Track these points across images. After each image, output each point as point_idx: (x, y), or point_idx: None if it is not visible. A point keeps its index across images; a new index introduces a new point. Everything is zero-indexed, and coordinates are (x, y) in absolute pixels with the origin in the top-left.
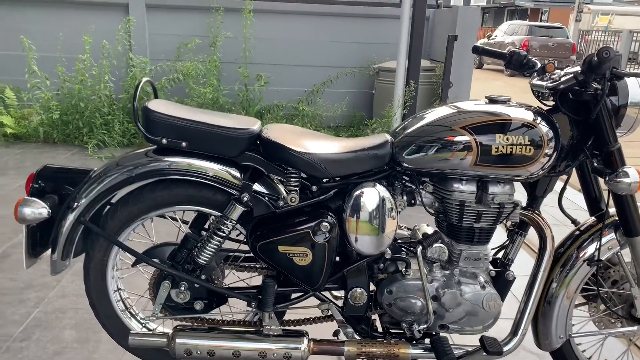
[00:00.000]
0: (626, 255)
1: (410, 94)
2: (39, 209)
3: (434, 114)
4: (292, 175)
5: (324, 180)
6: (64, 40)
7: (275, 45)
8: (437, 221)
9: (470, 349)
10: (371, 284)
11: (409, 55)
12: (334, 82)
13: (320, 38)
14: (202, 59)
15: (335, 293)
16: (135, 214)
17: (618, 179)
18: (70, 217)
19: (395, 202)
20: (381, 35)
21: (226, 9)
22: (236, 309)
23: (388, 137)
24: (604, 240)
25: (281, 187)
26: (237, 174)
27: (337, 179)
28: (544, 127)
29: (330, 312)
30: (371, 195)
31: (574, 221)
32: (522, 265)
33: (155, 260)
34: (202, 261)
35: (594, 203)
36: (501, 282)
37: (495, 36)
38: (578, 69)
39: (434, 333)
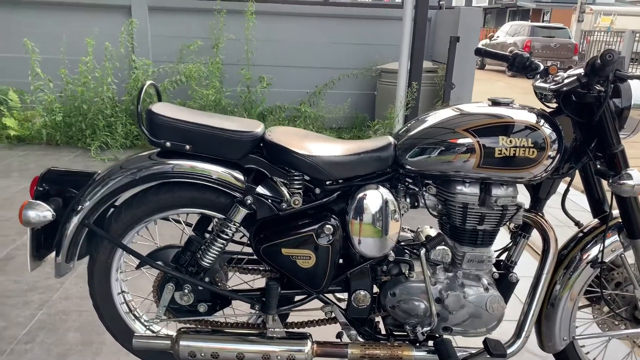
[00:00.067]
0: (629, 257)
1: (412, 95)
2: (43, 212)
3: (436, 117)
4: (296, 177)
5: (327, 183)
6: (67, 43)
7: (277, 47)
8: (440, 223)
9: (473, 351)
10: (374, 286)
11: (411, 57)
12: (336, 84)
13: (322, 39)
14: (204, 60)
15: (339, 295)
16: (139, 216)
17: (621, 181)
18: (75, 220)
19: (399, 204)
20: (383, 37)
21: (228, 10)
22: (240, 311)
23: (391, 139)
24: (607, 242)
25: (284, 190)
26: (241, 177)
27: (340, 181)
28: (547, 129)
29: (333, 315)
30: (374, 198)
31: (577, 223)
32: (525, 267)
33: (159, 262)
34: (205, 264)
35: (597, 205)
36: (504, 284)
37: (497, 37)
38: (581, 71)
39: (437, 335)
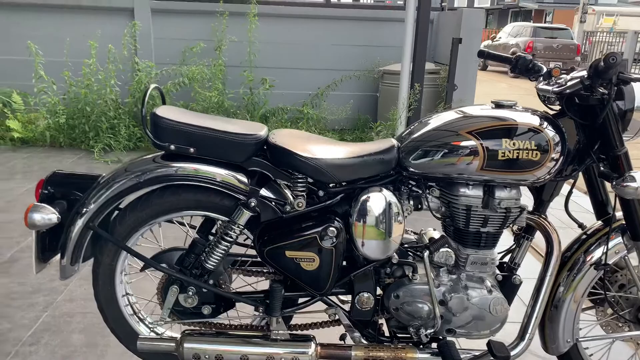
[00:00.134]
0: (633, 259)
1: (415, 96)
2: (48, 215)
3: (440, 119)
4: (299, 180)
5: (331, 185)
6: (70, 45)
7: (279, 49)
8: (443, 226)
9: (477, 354)
10: (378, 288)
11: (414, 58)
12: (339, 85)
13: (325, 41)
14: (207, 62)
15: (342, 297)
16: (144, 219)
17: (625, 184)
18: (79, 223)
19: (402, 206)
20: (385, 38)
21: (231, 13)
22: (244, 313)
23: (394, 141)
24: (611, 244)
25: (288, 192)
26: (245, 179)
27: (343, 183)
28: (550, 132)
29: (337, 317)
30: (378, 200)
31: (580, 225)
32: (528, 269)
33: (164, 265)
34: (209, 266)
35: (600, 207)
36: (508, 286)
37: (500, 38)
38: (584, 73)
39: (441, 337)
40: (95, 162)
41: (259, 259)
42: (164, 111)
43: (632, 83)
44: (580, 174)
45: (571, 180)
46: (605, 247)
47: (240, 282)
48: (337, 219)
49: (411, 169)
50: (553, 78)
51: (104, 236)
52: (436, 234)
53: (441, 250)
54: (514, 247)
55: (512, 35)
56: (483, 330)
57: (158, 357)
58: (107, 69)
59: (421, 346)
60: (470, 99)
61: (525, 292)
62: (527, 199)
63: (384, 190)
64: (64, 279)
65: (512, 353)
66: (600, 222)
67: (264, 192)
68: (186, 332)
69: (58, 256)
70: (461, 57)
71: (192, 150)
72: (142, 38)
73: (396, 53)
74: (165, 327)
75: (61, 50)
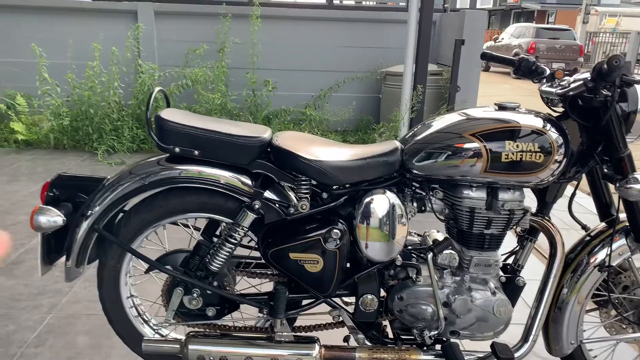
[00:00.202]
0: (637, 260)
1: (417, 98)
2: (54, 217)
3: (443, 121)
4: (303, 182)
5: (335, 188)
6: (74, 48)
7: (282, 51)
8: (447, 227)
9: (481, 355)
10: (382, 290)
11: (416, 59)
12: (341, 87)
13: (327, 43)
14: (210, 65)
15: (346, 299)
16: (148, 221)
17: (628, 185)
18: (84, 225)
19: (406, 208)
20: (388, 40)
21: (234, 15)
22: (248, 315)
23: (398, 144)
24: (614, 245)
25: (292, 195)
26: (249, 182)
27: (347, 186)
28: (553, 134)
29: (341, 319)
30: (381, 202)
31: (584, 227)
32: (532, 270)
33: (168, 267)
34: (214, 268)
35: (604, 208)
36: (512, 288)
37: (502, 39)
38: (587, 75)
39: (444, 339)
40: (99, 164)
41: (263, 261)
42: (168, 114)
43: (636, 85)
44: (584, 175)
45: (575, 182)
46: (609, 248)
47: (244, 284)
48: (340, 221)
49: (415, 171)
50: (556, 80)
51: (108, 238)
52: (440, 236)
53: (445, 252)
54: (517, 248)
55: (515, 36)
56: (487, 332)
57: (163, 359)
58: (111, 71)
59: (425, 348)
60: (473, 100)
61: (529, 294)
62: (530, 201)
63: (388, 192)
64: (69, 281)
65: (516, 355)
66: (603, 223)
67: (268, 194)
68: (191, 333)
69: (63, 258)
70: (464, 58)
71: (196, 152)
72: (145, 40)
73: (399, 54)
74: (170, 328)
75: (65, 53)
